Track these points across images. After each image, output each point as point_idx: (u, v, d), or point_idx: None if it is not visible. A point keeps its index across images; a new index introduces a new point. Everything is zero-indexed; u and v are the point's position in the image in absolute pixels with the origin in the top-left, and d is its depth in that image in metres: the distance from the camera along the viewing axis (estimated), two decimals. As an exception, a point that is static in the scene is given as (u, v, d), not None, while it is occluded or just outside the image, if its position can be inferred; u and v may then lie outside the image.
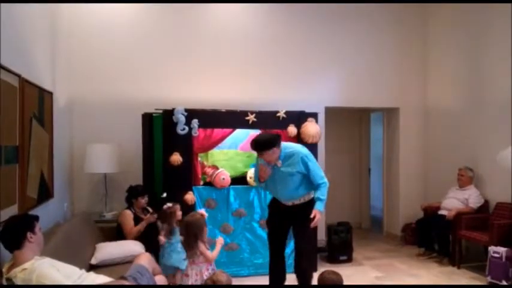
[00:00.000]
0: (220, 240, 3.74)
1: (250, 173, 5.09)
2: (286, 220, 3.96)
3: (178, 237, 3.92)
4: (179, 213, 4.05)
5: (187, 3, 5.75)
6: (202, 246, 3.59)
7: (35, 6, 3.94)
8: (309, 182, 3.81)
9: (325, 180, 3.81)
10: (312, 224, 3.68)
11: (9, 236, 2.66)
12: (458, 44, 6.08)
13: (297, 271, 4.01)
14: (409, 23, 6.66)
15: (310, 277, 4.02)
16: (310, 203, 3.79)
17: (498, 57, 5.33)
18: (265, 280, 4.82)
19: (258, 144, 3.67)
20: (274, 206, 4.02)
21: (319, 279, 2.83)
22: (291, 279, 4.93)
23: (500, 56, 5.28)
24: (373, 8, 6.46)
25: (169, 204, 4.05)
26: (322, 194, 3.74)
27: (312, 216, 3.65)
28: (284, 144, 3.82)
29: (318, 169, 3.82)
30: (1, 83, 2.98)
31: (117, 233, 4.49)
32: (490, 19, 5.50)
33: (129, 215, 4.50)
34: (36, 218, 2.81)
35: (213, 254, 3.62)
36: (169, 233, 3.97)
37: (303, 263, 3.95)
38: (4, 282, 2.57)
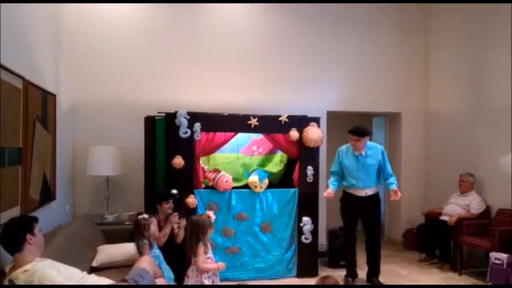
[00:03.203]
0: (221, 266, 3.67)
1: (253, 180, 5.09)
2: (359, 212, 4.85)
3: (158, 249, 3.85)
4: (154, 227, 3.84)
5: (189, 3, 5.78)
6: (200, 249, 3.58)
7: (38, 9, 3.97)
8: (379, 175, 4.85)
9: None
10: (399, 198, 4.74)
11: (8, 239, 2.66)
12: (459, 48, 6.08)
13: (369, 253, 4.93)
14: (410, 27, 6.67)
15: (379, 257, 4.95)
16: (377, 197, 4.88)
17: (500, 62, 5.33)
18: (265, 284, 4.84)
19: (360, 131, 4.72)
20: (348, 199, 4.88)
21: (318, 284, 2.81)
22: (293, 281, 4.96)
23: (502, 61, 5.28)
24: (375, 13, 6.48)
25: (145, 216, 3.84)
26: (395, 180, 4.84)
27: (396, 194, 4.69)
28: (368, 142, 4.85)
29: (389, 165, 4.92)
30: (5, 85, 3.00)
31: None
32: (492, 23, 5.51)
33: (154, 221, 4.18)
34: (35, 219, 2.80)
35: (204, 266, 3.57)
36: (149, 247, 3.72)
37: (376, 254, 4.90)
38: (6, 283, 2.57)
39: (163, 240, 4.15)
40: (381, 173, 4.87)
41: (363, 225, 4.96)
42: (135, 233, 3.76)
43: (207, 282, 3.58)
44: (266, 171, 5.27)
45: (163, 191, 4.54)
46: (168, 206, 4.29)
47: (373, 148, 4.84)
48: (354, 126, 4.82)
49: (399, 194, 4.72)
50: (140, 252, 3.62)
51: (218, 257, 4.29)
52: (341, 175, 4.92)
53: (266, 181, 5.11)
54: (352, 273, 4.93)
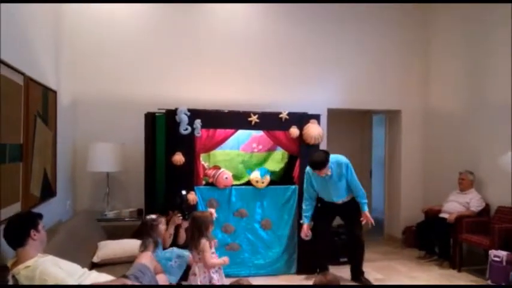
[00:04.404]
0: (226, 260, 3.71)
1: (254, 176, 5.12)
2: (334, 214, 5.01)
3: (163, 252, 3.85)
4: (163, 227, 3.84)
5: (190, 3, 5.78)
6: (206, 245, 3.60)
7: (38, 6, 3.96)
8: (349, 188, 4.83)
9: (362, 188, 4.85)
10: (370, 221, 4.75)
11: (12, 233, 2.68)
12: (459, 46, 6.08)
13: (351, 252, 5.03)
14: (410, 25, 6.66)
15: (362, 256, 4.98)
16: (353, 201, 4.83)
17: (499, 60, 5.33)
18: (265, 280, 4.86)
19: (317, 164, 4.60)
20: (325, 203, 4.93)
21: (316, 281, 2.82)
22: (293, 278, 4.98)
23: (502, 58, 5.28)
24: (375, 11, 6.48)
25: (153, 216, 3.85)
26: (363, 198, 4.79)
27: (363, 219, 4.74)
28: (331, 156, 4.68)
29: (356, 177, 4.81)
30: (6, 81, 3.00)
31: (142, 235, 4.32)
32: (491, 21, 5.50)
33: (162, 220, 4.19)
34: (40, 216, 2.83)
35: (212, 261, 3.61)
36: (155, 246, 3.72)
37: (358, 246, 4.93)
38: (10, 278, 2.59)
39: (169, 241, 4.15)
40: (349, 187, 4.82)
41: (344, 222, 5.12)
42: (142, 232, 3.76)
43: (215, 277, 3.62)
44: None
45: (177, 197, 4.49)
46: (176, 219, 4.22)
47: (338, 164, 4.73)
48: (312, 161, 4.65)
49: (370, 219, 4.72)
50: (146, 248, 3.61)
51: (218, 254, 4.28)
52: (314, 196, 4.92)
53: (267, 177, 5.14)
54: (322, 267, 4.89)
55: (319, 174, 4.68)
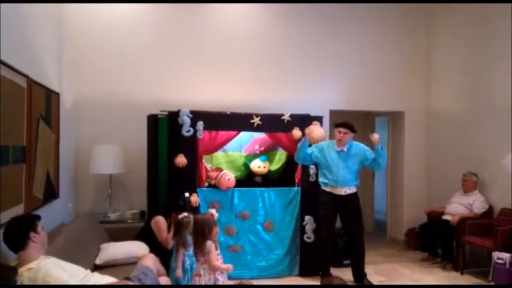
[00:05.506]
0: (230, 267, 3.72)
1: (255, 163, 5.30)
2: (336, 212, 4.87)
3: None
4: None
5: (192, 3, 5.79)
6: (212, 246, 3.60)
7: (40, 8, 3.97)
8: (358, 175, 4.87)
9: None
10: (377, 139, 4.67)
11: (12, 238, 2.64)
12: (462, 47, 6.07)
13: (353, 254, 4.95)
14: (412, 26, 6.66)
15: (364, 257, 4.93)
16: (356, 196, 4.85)
17: (502, 60, 5.31)
18: (268, 283, 4.85)
19: (347, 123, 4.79)
20: (327, 199, 4.82)
21: (324, 282, 2.83)
22: (296, 280, 4.97)
23: (504, 60, 5.27)
24: (377, 11, 6.47)
25: (185, 214, 3.93)
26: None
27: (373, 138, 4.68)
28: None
29: None
30: (9, 84, 3.00)
31: (144, 237, 4.30)
32: (493, 22, 5.49)
33: (164, 223, 4.24)
34: (38, 217, 2.80)
35: (216, 263, 3.61)
36: (186, 245, 3.86)
37: (358, 246, 4.87)
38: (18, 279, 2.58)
39: (172, 243, 4.14)
40: (370, 163, 4.80)
41: (343, 225, 5.03)
42: (175, 232, 3.99)
43: (221, 278, 3.62)
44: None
45: (180, 199, 4.52)
46: (177, 216, 4.21)
47: (358, 146, 4.85)
48: (344, 121, 4.86)
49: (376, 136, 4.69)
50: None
51: (222, 255, 4.30)
52: (307, 162, 4.92)
53: (267, 163, 5.34)
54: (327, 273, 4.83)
55: (337, 145, 4.75)
